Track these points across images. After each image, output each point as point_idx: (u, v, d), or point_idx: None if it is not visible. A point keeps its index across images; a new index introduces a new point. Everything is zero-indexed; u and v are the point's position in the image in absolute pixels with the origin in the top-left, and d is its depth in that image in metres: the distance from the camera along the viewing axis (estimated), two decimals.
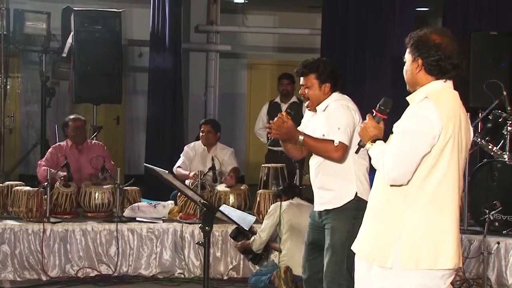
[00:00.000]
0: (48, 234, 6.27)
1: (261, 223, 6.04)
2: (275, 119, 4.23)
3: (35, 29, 8.67)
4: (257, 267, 6.27)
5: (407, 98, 3.24)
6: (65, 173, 6.56)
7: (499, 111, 6.13)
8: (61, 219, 6.41)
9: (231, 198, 6.70)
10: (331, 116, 4.26)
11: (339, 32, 9.02)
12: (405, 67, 3.26)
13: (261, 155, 8.76)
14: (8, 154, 9.29)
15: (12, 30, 8.66)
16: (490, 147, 6.07)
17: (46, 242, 6.25)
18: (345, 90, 4.52)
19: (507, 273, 5.79)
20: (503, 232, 6.06)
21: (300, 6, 11.80)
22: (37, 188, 6.42)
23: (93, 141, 7.64)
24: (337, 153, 4.18)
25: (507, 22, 8.26)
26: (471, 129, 3.32)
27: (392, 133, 3.17)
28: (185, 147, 7.50)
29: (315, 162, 4.35)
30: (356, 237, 3.37)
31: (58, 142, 7.56)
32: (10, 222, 6.34)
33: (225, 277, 6.42)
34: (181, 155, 7.39)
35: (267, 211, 6.08)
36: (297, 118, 4.40)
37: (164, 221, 6.56)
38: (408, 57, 3.24)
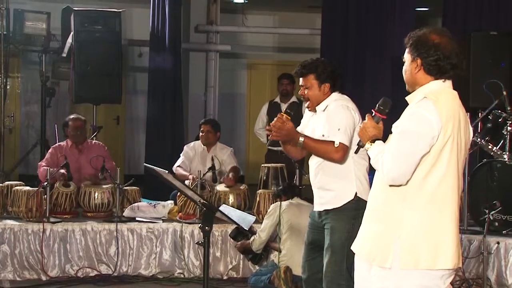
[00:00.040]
0: (48, 234, 6.27)
1: (261, 223, 6.04)
2: (275, 119, 4.23)
3: (35, 29, 8.67)
4: (257, 267, 6.27)
5: (406, 98, 3.24)
6: (64, 171, 6.56)
7: (499, 111, 6.13)
8: (61, 219, 6.41)
9: (231, 198, 6.70)
10: (331, 116, 4.26)
11: (339, 32, 9.02)
12: (404, 67, 3.26)
13: (261, 155, 8.76)
14: (8, 154, 9.29)
15: (12, 30, 8.66)
16: (490, 147, 6.07)
17: (46, 242, 6.25)
18: (345, 90, 4.52)
19: (507, 273, 5.79)
20: (503, 232, 6.05)
21: (300, 6, 11.80)
22: (37, 188, 6.42)
23: (94, 141, 7.64)
24: (337, 154, 4.18)
25: (507, 22, 8.26)
26: (471, 129, 3.31)
27: (391, 133, 3.17)
28: (185, 147, 7.51)
29: (314, 162, 4.35)
30: (355, 237, 3.37)
31: (58, 142, 7.57)
32: (10, 222, 6.34)
33: (225, 277, 6.42)
34: (181, 154, 7.39)
35: (267, 211, 6.08)
36: (297, 118, 4.40)
37: (163, 221, 6.56)
38: (407, 57, 3.24)
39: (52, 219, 6.34)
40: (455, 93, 3.22)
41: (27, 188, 6.48)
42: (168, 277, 6.40)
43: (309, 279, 4.45)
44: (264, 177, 6.90)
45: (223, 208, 4.54)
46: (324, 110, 4.33)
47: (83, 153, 7.13)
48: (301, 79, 4.41)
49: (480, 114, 6.33)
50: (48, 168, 6.51)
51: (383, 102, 3.33)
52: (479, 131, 6.24)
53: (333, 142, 4.17)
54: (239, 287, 6.28)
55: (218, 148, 7.34)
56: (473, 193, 6.24)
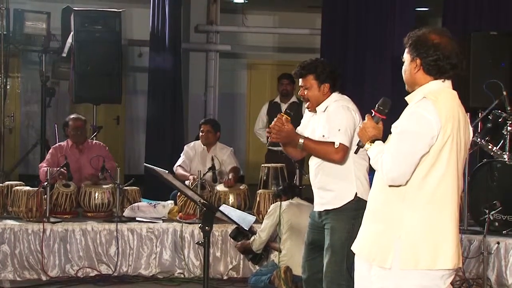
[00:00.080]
0: (48, 234, 6.27)
1: (261, 223, 6.04)
2: (275, 119, 4.23)
3: (35, 29, 8.67)
4: (257, 267, 6.27)
5: (406, 98, 3.24)
6: (63, 170, 6.57)
7: (499, 111, 6.13)
8: (61, 219, 6.41)
9: (231, 198, 6.70)
10: (331, 117, 4.25)
11: (339, 32, 9.02)
12: (403, 67, 3.26)
13: (261, 155, 8.76)
14: (8, 154, 9.29)
15: (12, 30, 8.65)
16: (490, 147, 6.07)
17: (46, 242, 6.25)
18: (345, 90, 4.52)
19: (507, 273, 5.79)
20: (503, 232, 6.05)
21: (300, 6, 11.80)
22: (37, 188, 6.42)
23: (94, 141, 7.64)
24: (337, 154, 4.17)
25: (507, 22, 8.26)
26: (471, 129, 3.31)
27: (391, 133, 3.17)
28: (185, 147, 7.51)
29: (314, 162, 4.35)
30: (355, 237, 3.37)
31: (58, 142, 7.57)
32: (10, 222, 6.34)
33: (225, 277, 6.42)
34: (182, 154, 7.39)
35: (267, 211, 6.08)
36: (297, 118, 4.40)
37: (164, 221, 6.56)
38: (406, 57, 3.24)
39: (52, 219, 6.34)
40: (455, 93, 3.22)
41: (27, 188, 6.48)
42: (168, 277, 6.40)
43: (309, 279, 4.45)
44: (264, 177, 6.90)
45: (223, 208, 4.54)
46: (324, 111, 4.32)
47: (84, 153, 7.13)
48: (300, 79, 4.40)
49: (480, 114, 6.33)
50: (48, 168, 6.51)
51: (382, 102, 3.33)
52: (479, 131, 6.25)
53: (333, 143, 4.17)
54: (239, 287, 6.27)
55: (218, 148, 7.34)
56: (473, 193, 6.24)
